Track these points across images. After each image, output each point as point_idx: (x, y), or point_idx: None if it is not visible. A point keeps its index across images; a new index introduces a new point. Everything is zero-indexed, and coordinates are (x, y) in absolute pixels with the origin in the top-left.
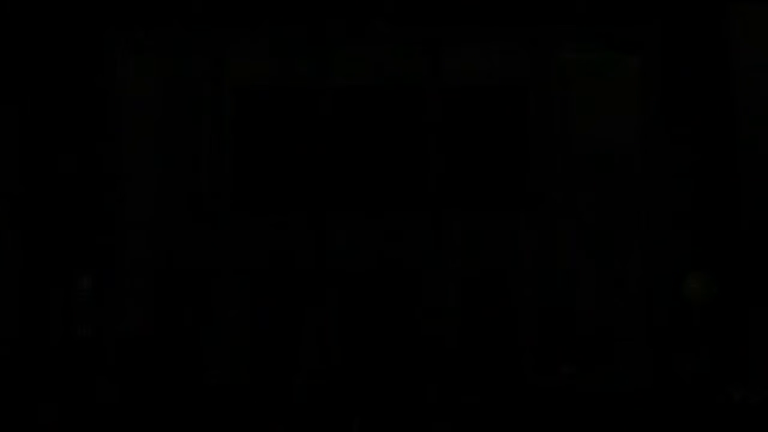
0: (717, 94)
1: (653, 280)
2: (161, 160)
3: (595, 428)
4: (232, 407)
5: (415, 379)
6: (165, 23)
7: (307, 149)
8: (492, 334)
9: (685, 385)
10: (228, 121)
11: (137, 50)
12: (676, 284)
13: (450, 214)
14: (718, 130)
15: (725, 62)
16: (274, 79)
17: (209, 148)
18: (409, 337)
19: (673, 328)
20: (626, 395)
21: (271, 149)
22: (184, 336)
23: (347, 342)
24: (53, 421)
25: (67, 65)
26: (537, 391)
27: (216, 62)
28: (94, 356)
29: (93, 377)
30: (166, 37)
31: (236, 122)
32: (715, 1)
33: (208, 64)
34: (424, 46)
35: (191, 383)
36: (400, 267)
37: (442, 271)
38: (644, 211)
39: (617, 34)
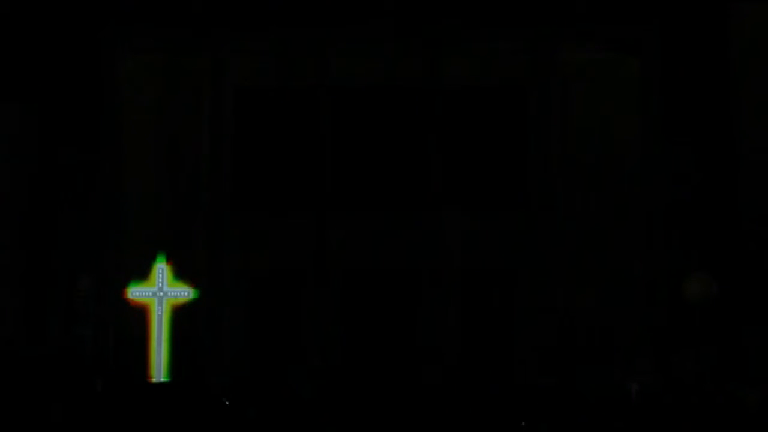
0: (717, 94)
1: (653, 280)
2: (161, 160)
3: (596, 427)
4: (233, 405)
5: (415, 378)
6: (165, 23)
7: (308, 149)
8: (491, 333)
9: (685, 385)
10: (228, 121)
11: (137, 50)
12: (676, 284)
13: (450, 214)
14: (718, 130)
15: (725, 63)
16: (275, 79)
17: (209, 147)
18: (409, 337)
19: (674, 328)
20: (627, 394)
21: (271, 149)
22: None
23: (347, 341)
24: (57, 420)
25: (67, 65)
26: (536, 390)
27: (216, 62)
28: (94, 355)
29: (93, 376)
30: (166, 37)
31: (236, 122)
32: (715, 1)
33: (209, 64)
34: (424, 47)
35: (192, 382)
36: (401, 266)
37: (443, 270)
38: (644, 212)
39: (617, 34)
